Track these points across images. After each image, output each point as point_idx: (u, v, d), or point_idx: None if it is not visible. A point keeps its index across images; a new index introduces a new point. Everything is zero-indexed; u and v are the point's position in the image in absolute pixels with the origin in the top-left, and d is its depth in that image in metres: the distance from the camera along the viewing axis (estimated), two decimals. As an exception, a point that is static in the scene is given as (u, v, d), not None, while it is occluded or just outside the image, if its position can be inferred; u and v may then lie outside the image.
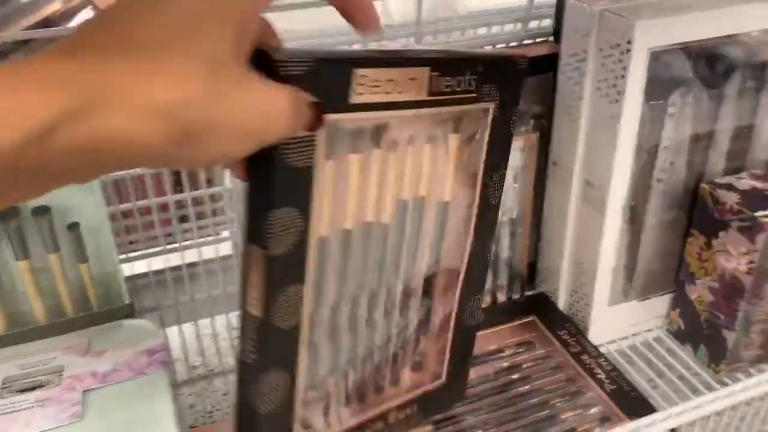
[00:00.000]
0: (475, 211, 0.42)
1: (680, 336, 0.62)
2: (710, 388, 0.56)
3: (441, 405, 0.49)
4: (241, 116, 0.24)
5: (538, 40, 0.59)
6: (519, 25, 0.60)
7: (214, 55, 0.23)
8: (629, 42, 0.48)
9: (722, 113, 0.57)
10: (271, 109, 0.25)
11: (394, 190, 0.38)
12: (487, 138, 0.40)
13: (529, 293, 0.67)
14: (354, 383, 0.42)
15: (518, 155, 0.60)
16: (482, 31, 0.61)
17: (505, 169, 0.43)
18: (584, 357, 0.58)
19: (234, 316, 0.64)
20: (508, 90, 0.40)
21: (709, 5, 0.50)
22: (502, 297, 0.66)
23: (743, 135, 0.59)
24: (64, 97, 0.20)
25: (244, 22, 0.24)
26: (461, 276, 0.43)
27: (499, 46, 0.60)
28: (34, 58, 0.21)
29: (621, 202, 0.55)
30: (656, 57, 0.51)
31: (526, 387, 0.56)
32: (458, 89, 0.37)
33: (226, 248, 0.61)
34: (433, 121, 0.38)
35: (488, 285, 0.64)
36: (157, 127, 0.21)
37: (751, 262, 0.53)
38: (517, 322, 0.63)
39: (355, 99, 0.32)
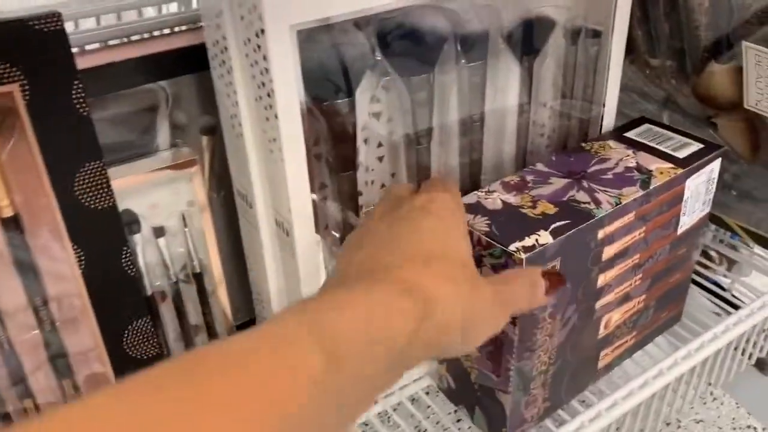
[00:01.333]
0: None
1: (453, 396, 0.48)
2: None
3: None
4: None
5: (186, 26, 0.43)
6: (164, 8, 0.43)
7: (468, 261, 0.31)
8: (260, 18, 0.33)
9: (439, 103, 0.44)
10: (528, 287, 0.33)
11: None
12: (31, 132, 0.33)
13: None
14: None
15: (182, 186, 0.43)
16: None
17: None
18: None
19: None
20: (39, 64, 0.33)
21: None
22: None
23: (472, 127, 0.46)
24: (419, 306, 0.26)
25: None
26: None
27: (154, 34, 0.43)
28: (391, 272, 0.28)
29: (313, 240, 0.40)
30: (314, 39, 0.36)
31: None
32: None
33: None
34: None
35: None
36: (456, 320, 0.28)
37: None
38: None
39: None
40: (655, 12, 0.52)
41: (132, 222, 0.41)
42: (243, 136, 0.39)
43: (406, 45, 0.40)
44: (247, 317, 0.50)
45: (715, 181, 0.48)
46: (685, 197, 0.45)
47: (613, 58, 0.48)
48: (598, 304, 0.44)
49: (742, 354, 0.55)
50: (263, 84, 0.35)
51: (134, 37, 0.41)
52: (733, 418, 0.86)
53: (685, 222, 0.47)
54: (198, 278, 0.45)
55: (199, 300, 0.46)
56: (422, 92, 0.42)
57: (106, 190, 0.37)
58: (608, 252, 0.42)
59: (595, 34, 0.47)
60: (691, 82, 0.53)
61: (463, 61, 0.43)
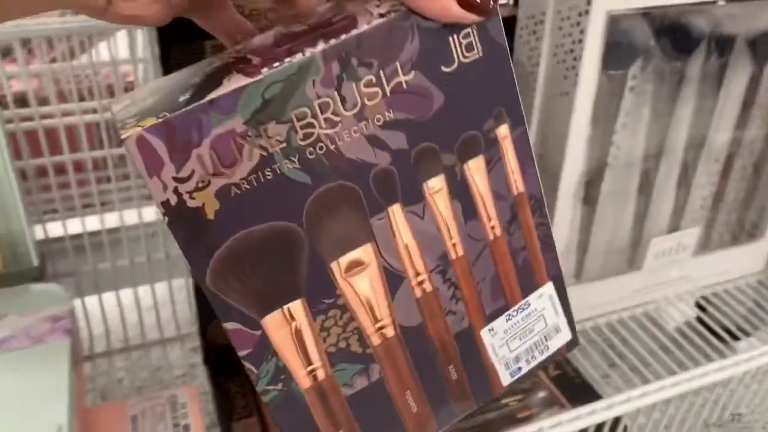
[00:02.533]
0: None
1: None
2: (659, 378, 0.53)
3: None
4: None
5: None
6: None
7: None
8: (588, 2, 0.45)
9: (684, 91, 0.55)
10: None
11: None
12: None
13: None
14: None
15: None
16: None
17: None
18: (530, 340, 0.55)
19: (160, 286, 0.59)
20: None
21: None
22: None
23: (704, 113, 0.56)
24: None
25: None
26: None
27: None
28: None
29: (575, 179, 0.52)
30: (616, 22, 0.47)
31: (467, 370, 0.53)
32: None
33: (149, 214, 0.56)
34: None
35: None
36: None
37: None
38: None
39: None
40: None
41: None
42: (535, 90, 0.51)
43: (675, 35, 0.51)
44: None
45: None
46: None
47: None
48: None
49: None
50: (571, 50, 0.47)
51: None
52: None
53: None
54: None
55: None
56: (675, 76, 0.53)
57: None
58: None
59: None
60: None
61: (713, 57, 0.53)
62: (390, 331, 0.33)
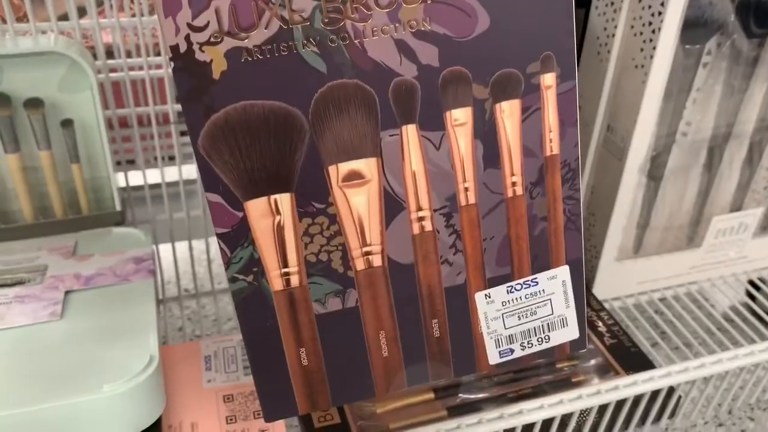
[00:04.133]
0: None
1: None
2: (712, 353, 0.54)
3: None
4: None
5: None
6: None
7: None
8: (671, -25, 0.45)
9: (759, 70, 0.54)
10: None
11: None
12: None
13: (534, 243, 0.64)
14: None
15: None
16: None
17: None
18: (587, 309, 0.56)
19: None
20: None
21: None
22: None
23: (778, 94, 0.56)
24: None
25: None
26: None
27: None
28: None
29: (642, 153, 0.52)
30: (698, -5, 0.47)
31: (523, 334, 0.54)
32: None
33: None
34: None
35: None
36: None
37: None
38: (520, 270, 0.61)
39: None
40: None
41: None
42: (608, 61, 0.51)
43: (757, 13, 0.50)
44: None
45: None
46: None
47: None
48: None
49: None
50: (649, 23, 0.48)
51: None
52: None
53: None
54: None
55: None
56: (752, 53, 0.52)
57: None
58: None
59: None
60: None
61: (792, 35, 0.52)
62: (377, 260, 0.30)
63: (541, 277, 0.32)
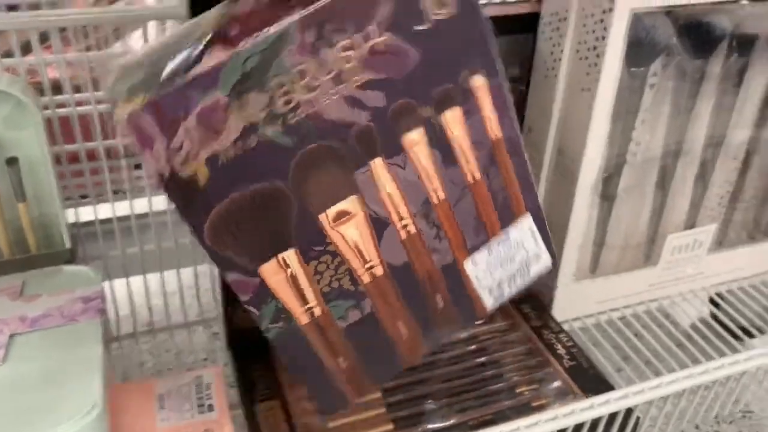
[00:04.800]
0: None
1: None
2: (672, 371, 0.54)
3: None
4: None
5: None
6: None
7: None
8: (611, 1, 0.46)
9: (704, 88, 0.55)
10: None
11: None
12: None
13: (495, 265, 0.65)
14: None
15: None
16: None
17: None
18: (545, 332, 0.56)
19: (185, 271, 0.61)
20: None
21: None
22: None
23: (724, 111, 0.57)
24: None
25: None
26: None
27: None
28: None
29: (593, 174, 0.53)
30: (639, 20, 0.48)
31: (483, 359, 0.54)
32: None
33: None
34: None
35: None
36: None
37: None
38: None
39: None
40: None
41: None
42: (556, 85, 0.52)
43: (698, 34, 0.51)
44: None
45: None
46: None
47: None
48: None
49: None
50: (594, 47, 0.48)
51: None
52: None
53: None
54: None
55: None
56: (697, 74, 0.53)
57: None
58: None
59: (844, 50, 0.56)
60: None
61: (734, 56, 0.54)
62: (379, 270, 0.36)
63: (511, 230, 0.39)
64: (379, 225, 0.35)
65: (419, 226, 0.36)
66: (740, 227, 0.66)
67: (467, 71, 0.33)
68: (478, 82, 0.34)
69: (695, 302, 0.64)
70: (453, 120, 0.35)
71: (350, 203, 0.34)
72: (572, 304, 0.60)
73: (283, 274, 0.33)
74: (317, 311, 0.35)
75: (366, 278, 0.36)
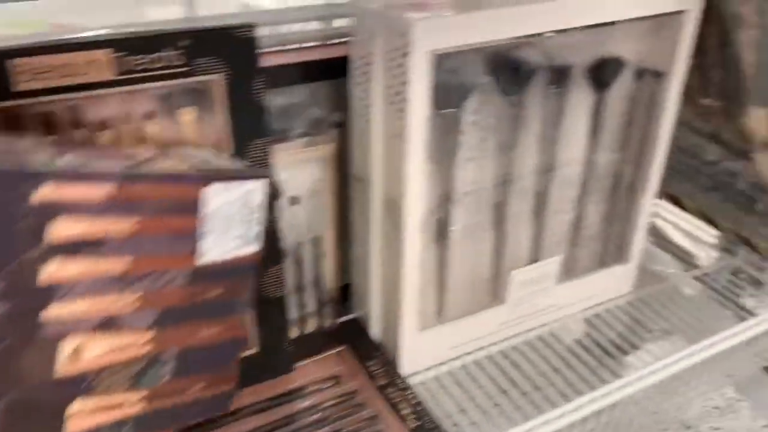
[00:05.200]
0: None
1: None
2: (527, 419, 0.52)
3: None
4: None
5: (342, 40, 0.53)
6: (322, 24, 0.54)
7: None
8: (407, 44, 0.44)
9: (527, 122, 0.54)
10: None
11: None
12: (227, 109, 0.44)
13: (343, 319, 0.61)
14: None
15: (314, 167, 0.54)
16: (284, 29, 0.55)
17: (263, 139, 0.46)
18: (391, 391, 0.53)
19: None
20: (239, 60, 0.43)
21: (499, 4, 0.46)
22: (313, 326, 0.59)
23: (550, 142, 0.56)
24: None
25: None
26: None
27: (305, 45, 0.54)
28: None
29: (419, 217, 0.50)
30: (444, 60, 0.46)
31: (324, 430, 0.50)
32: (157, 66, 0.40)
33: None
34: (145, 97, 0.42)
35: (295, 313, 0.58)
36: None
37: None
38: (326, 354, 0.57)
39: (21, 87, 0.36)
40: (708, 60, 0.62)
41: (275, 190, 0.52)
42: (370, 131, 0.49)
43: (508, 70, 0.50)
44: (346, 281, 0.61)
45: (260, 216, 0.40)
46: (202, 210, 0.37)
47: (671, 96, 0.57)
48: (48, 314, 0.32)
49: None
50: (399, 93, 0.46)
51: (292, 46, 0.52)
52: (749, 428, 0.94)
53: (209, 250, 0.38)
54: (316, 243, 0.56)
55: (313, 260, 0.56)
56: (515, 109, 0.52)
57: (268, 161, 0.47)
58: (61, 230, 0.31)
59: (657, 75, 0.57)
60: (735, 122, 0.62)
61: (549, 87, 0.53)
62: None
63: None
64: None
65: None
66: (588, 254, 0.66)
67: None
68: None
69: (552, 335, 0.63)
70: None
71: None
72: (421, 355, 0.57)
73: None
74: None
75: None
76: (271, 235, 0.49)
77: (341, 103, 0.54)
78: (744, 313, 0.67)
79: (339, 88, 0.53)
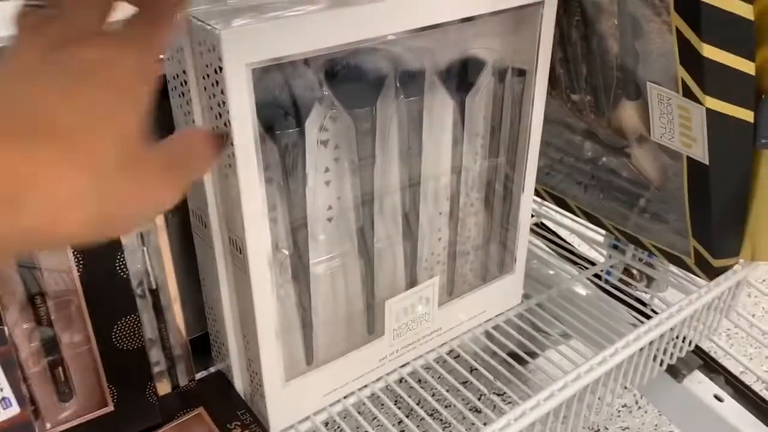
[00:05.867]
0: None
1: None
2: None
3: None
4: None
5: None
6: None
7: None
8: (219, 58, 0.37)
9: (383, 135, 0.49)
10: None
11: None
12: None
13: (203, 374, 0.54)
14: None
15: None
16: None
17: None
18: (255, 455, 0.46)
19: None
20: None
21: (341, 5, 0.40)
22: (166, 388, 0.52)
23: (412, 157, 0.51)
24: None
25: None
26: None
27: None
28: None
29: (266, 255, 0.44)
30: (269, 74, 0.40)
31: None
32: None
33: None
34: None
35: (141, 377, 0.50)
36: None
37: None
38: (180, 420, 0.49)
39: None
40: (573, 53, 0.58)
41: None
42: (200, 161, 0.42)
43: (350, 81, 0.44)
44: (199, 331, 0.53)
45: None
46: None
47: (537, 94, 0.53)
48: None
49: (654, 360, 0.61)
50: (220, 115, 0.39)
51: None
52: (656, 425, 0.93)
53: None
54: (154, 294, 0.48)
55: (155, 315, 0.49)
56: (366, 123, 0.46)
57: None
58: None
59: (520, 73, 0.53)
60: (607, 117, 0.59)
61: (402, 96, 0.47)
62: None
63: None
64: None
65: None
66: (471, 270, 0.61)
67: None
68: None
69: (439, 362, 0.57)
70: None
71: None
72: (290, 408, 0.50)
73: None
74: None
75: None
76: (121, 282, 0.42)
77: (172, 128, 0.46)
78: (642, 307, 0.65)
79: (167, 111, 0.46)
